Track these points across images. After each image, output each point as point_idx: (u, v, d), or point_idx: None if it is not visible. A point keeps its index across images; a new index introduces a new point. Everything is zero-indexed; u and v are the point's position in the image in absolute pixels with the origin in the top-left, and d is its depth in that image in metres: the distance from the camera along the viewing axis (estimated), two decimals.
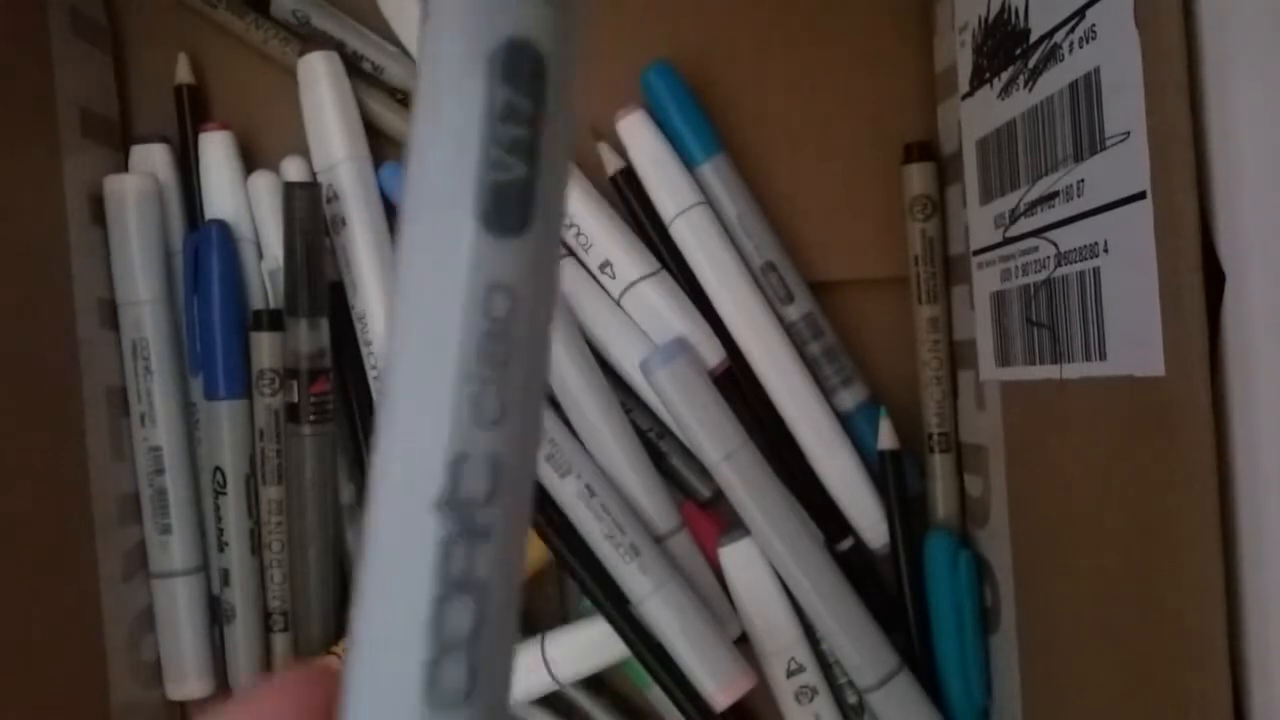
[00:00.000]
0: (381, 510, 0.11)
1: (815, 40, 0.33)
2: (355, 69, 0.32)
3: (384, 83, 0.32)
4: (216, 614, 0.32)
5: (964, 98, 0.29)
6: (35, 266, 0.28)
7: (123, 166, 0.32)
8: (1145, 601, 0.21)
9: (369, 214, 0.31)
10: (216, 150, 0.32)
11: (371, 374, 0.31)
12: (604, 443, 0.30)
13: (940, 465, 0.32)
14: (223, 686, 0.32)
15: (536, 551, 0.31)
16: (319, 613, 0.31)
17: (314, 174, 0.32)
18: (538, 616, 0.33)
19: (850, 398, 0.32)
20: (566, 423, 0.30)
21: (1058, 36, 0.23)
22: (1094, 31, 0.21)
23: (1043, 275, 0.25)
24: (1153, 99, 0.19)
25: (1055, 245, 0.24)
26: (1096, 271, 0.22)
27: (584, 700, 0.32)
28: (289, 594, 0.31)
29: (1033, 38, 0.24)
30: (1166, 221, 0.19)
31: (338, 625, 0.32)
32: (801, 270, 0.32)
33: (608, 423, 0.30)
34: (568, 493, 0.30)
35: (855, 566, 0.32)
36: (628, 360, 0.31)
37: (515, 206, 0.11)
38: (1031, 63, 0.24)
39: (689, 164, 0.31)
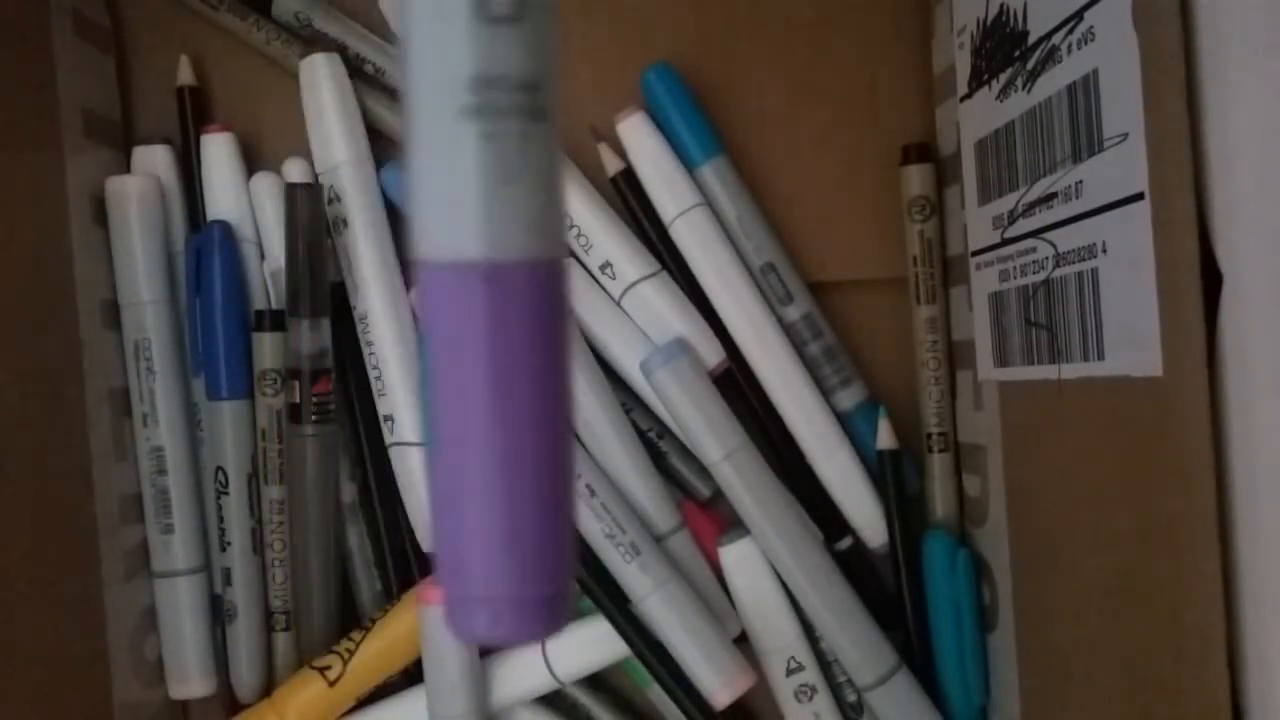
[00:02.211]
0: None
1: (815, 41, 0.33)
2: (357, 71, 0.32)
3: (386, 84, 0.33)
4: (218, 613, 0.32)
5: (962, 99, 0.29)
6: (37, 267, 0.28)
7: (125, 168, 0.32)
8: (1143, 600, 0.21)
9: (371, 215, 0.31)
10: (218, 151, 0.32)
11: (373, 374, 0.31)
12: (604, 443, 0.30)
13: (938, 465, 0.32)
14: (225, 686, 0.32)
15: None
16: (321, 612, 0.31)
17: (316, 175, 0.32)
18: None
19: (849, 398, 0.32)
20: None
21: (1056, 38, 0.23)
22: (1092, 33, 0.21)
23: (1041, 276, 0.25)
24: (1151, 100, 0.19)
25: (1053, 246, 0.24)
26: (1095, 272, 0.22)
27: (584, 699, 0.32)
28: (291, 593, 0.32)
29: (1031, 39, 0.24)
30: (1164, 222, 0.19)
31: (340, 624, 0.32)
32: (801, 271, 0.32)
33: (608, 423, 0.30)
34: None
35: (854, 566, 0.32)
36: (628, 360, 0.31)
37: None
38: (1030, 64, 0.24)
39: (689, 165, 0.31)
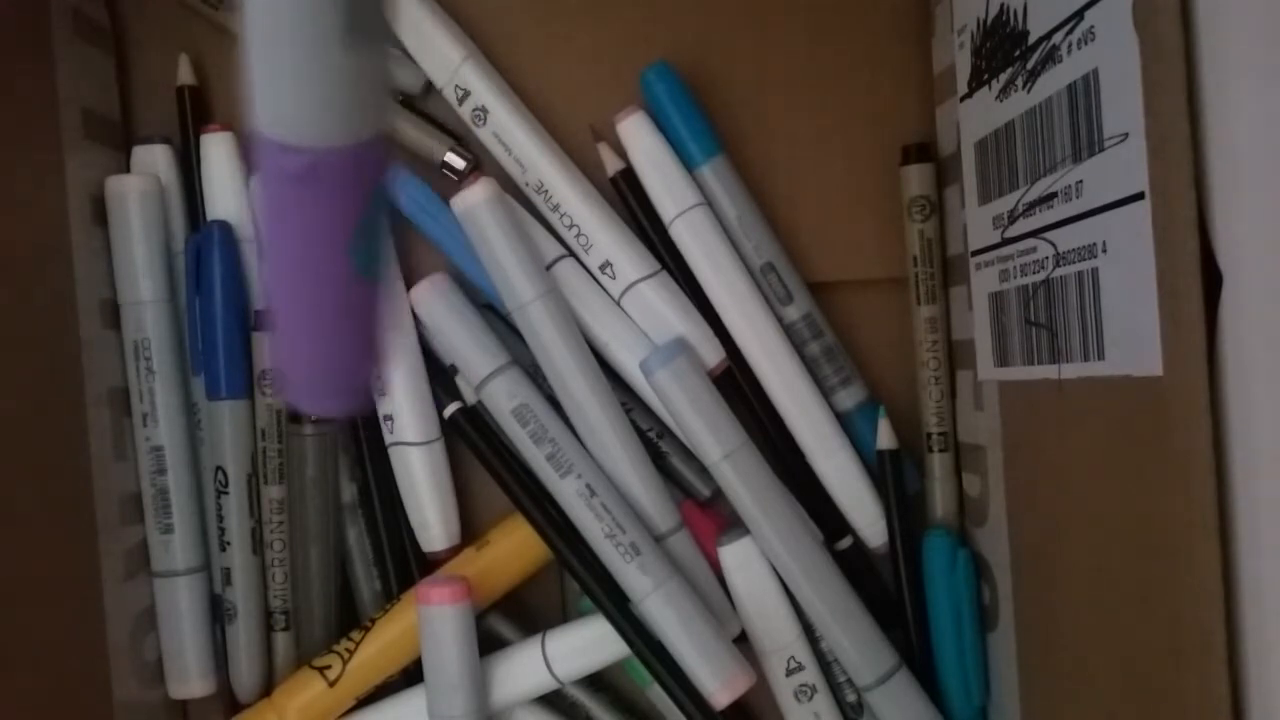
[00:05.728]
0: None
1: (815, 41, 0.33)
2: None
3: None
4: (218, 613, 0.32)
5: (962, 99, 0.29)
6: (37, 267, 0.28)
7: (125, 167, 0.32)
8: (1143, 600, 0.21)
9: None
10: (218, 151, 0.32)
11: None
12: (604, 443, 0.30)
13: (938, 464, 0.32)
14: (224, 686, 0.32)
15: (536, 551, 0.31)
16: (320, 612, 0.31)
17: None
18: (538, 616, 0.33)
19: (849, 397, 0.32)
20: (567, 423, 0.30)
21: (1056, 38, 0.23)
22: (1092, 33, 0.21)
23: (1041, 276, 0.25)
24: (1151, 100, 0.19)
25: (1054, 246, 0.24)
26: (1095, 272, 0.22)
27: (584, 699, 0.32)
28: (290, 593, 0.32)
29: (1031, 39, 0.24)
30: (1165, 222, 0.19)
31: (340, 624, 0.32)
32: (801, 271, 0.32)
33: (608, 423, 0.30)
34: (568, 493, 0.30)
35: (854, 565, 0.32)
36: (628, 360, 0.31)
37: None
38: (1030, 64, 0.24)
39: (689, 165, 0.31)
